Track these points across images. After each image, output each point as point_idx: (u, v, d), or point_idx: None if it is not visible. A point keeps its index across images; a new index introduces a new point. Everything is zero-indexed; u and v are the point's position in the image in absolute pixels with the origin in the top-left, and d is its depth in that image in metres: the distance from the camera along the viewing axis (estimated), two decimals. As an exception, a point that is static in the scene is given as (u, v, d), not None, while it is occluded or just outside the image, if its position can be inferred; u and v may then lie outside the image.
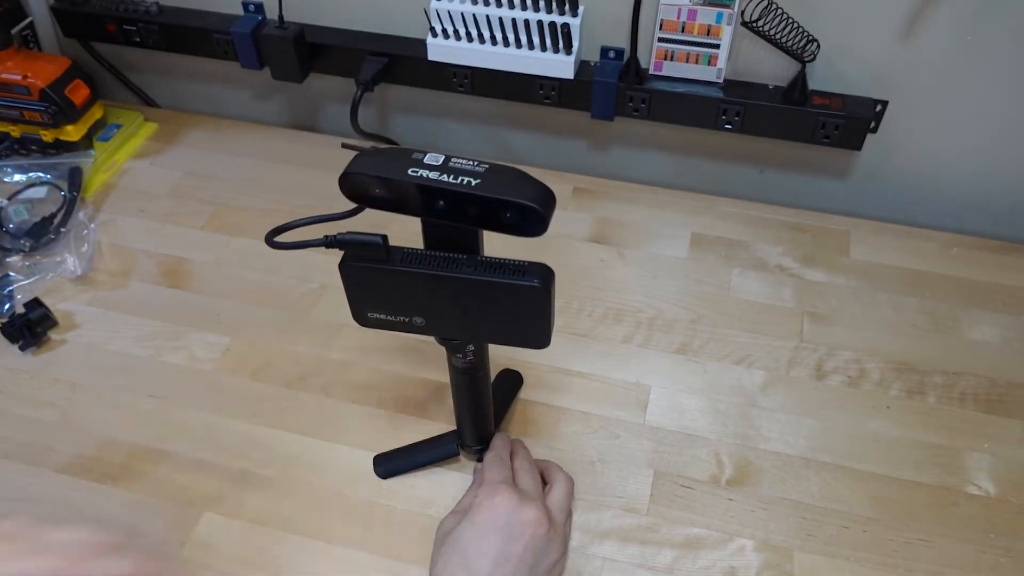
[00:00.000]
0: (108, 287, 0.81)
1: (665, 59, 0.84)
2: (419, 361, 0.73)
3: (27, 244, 0.82)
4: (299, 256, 0.85)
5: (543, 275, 0.49)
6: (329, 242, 0.48)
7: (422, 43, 0.88)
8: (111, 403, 0.71)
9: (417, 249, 0.49)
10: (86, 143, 0.95)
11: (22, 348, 0.74)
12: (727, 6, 0.79)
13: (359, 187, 0.48)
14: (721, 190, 0.93)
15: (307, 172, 0.94)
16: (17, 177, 0.87)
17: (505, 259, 0.48)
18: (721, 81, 0.84)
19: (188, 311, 0.79)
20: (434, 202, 0.46)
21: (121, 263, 0.83)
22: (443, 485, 0.65)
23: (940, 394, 0.72)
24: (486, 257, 0.48)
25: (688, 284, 0.81)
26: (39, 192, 0.87)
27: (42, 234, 0.83)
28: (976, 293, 0.80)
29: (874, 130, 0.85)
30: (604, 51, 0.87)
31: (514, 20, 0.83)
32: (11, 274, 0.80)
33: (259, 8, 0.94)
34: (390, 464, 0.66)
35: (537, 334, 0.51)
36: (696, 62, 0.84)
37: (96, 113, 0.95)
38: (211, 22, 0.95)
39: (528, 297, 0.48)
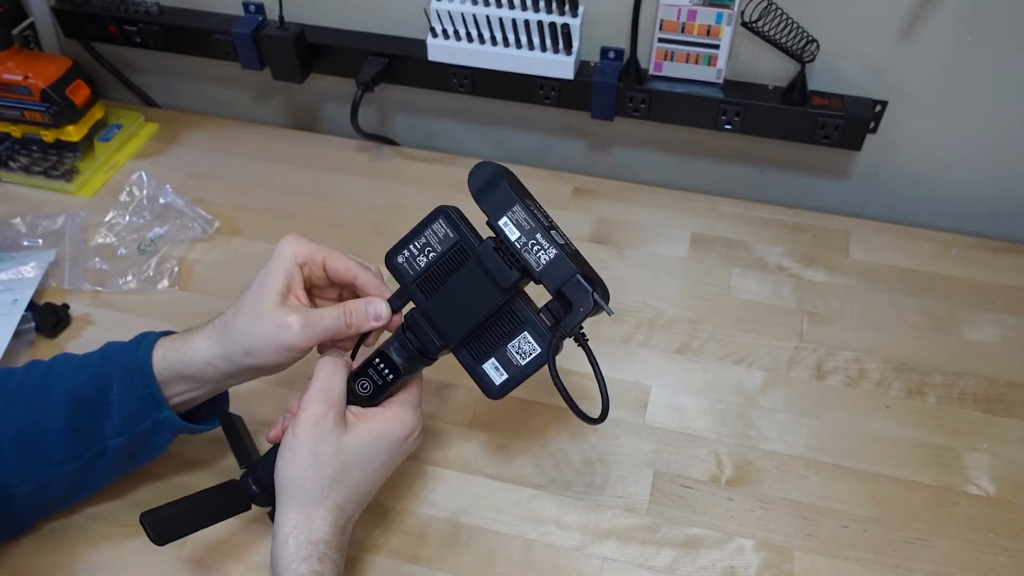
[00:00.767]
0: (110, 289, 0.81)
1: (665, 59, 0.84)
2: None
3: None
4: (299, 256, 0.85)
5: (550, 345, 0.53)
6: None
7: (422, 43, 0.88)
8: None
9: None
10: (87, 143, 0.95)
11: (51, 332, 0.76)
12: (727, 6, 0.79)
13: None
14: (721, 190, 0.93)
15: (307, 172, 0.94)
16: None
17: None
18: (721, 81, 0.84)
19: (189, 311, 0.78)
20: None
21: (122, 265, 0.83)
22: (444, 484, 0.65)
23: (940, 394, 0.72)
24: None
25: (688, 284, 0.81)
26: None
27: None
28: (976, 293, 0.80)
29: (874, 130, 0.85)
30: (604, 51, 0.87)
31: (514, 20, 0.83)
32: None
33: (259, 8, 0.94)
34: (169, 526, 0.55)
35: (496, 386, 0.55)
36: (696, 62, 0.84)
37: (97, 113, 0.95)
38: (212, 22, 0.95)
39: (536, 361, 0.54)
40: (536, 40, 0.84)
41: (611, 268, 0.83)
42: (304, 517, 0.52)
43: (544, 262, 0.50)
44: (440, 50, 0.88)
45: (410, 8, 0.90)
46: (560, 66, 0.85)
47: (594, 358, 0.54)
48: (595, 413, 0.55)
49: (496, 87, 0.90)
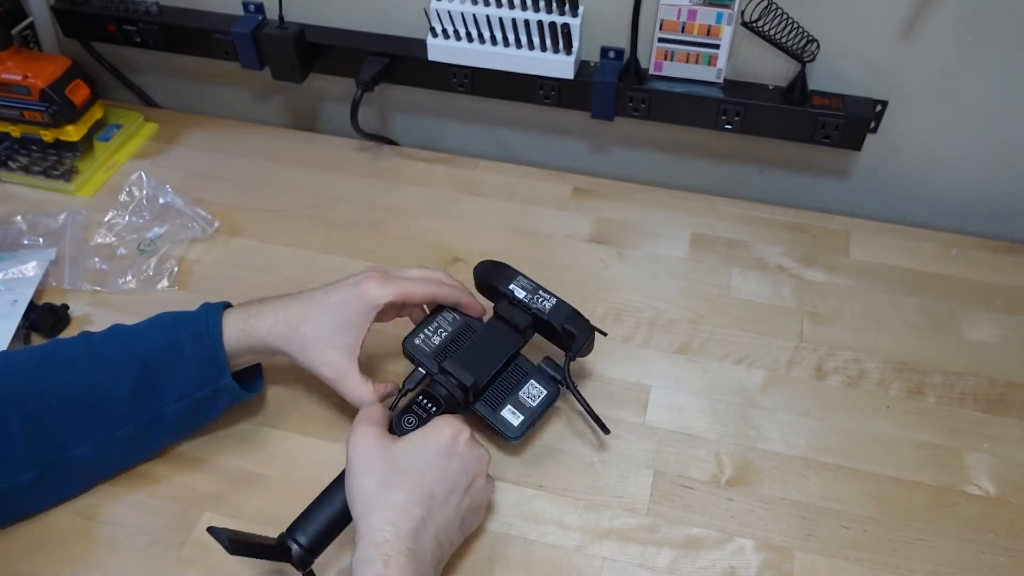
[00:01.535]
0: (109, 289, 0.81)
1: (665, 59, 0.84)
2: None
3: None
4: (299, 256, 0.85)
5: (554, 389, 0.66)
6: None
7: (422, 43, 0.88)
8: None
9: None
10: (86, 143, 0.95)
11: (50, 332, 0.76)
12: (727, 6, 0.79)
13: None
14: (721, 190, 0.93)
15: (307, 172, 0.94)
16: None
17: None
18: (721, 81, 0.84)
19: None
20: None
21: (121, 265, 0.83)
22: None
23: (940, 394, 0.72)
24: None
25: (688, 284, 0.81)
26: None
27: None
28: (976, 293, 0.80)
29: (874, 130, 0.85)
30: (604, 51, 0.87)
31: (514, 20, 0.83)
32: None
33: (259, 8, 0.94)
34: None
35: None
36: (696, 62, 0.84)
37: (96, 113, 0.95)
38: (211, 22, 0.95)
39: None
40: (536, 40, 0.84)
41: (611, 268, 0.83)
42: (365, 522, 0.53)
43: (549, 308, 0.66)
44: (440, 50, 0.87)
45: (410, 8, 0.90)
46: (560, 66, 0.85)
47: (575, 388, 0.66)
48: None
49: (496, 87, 0.90)
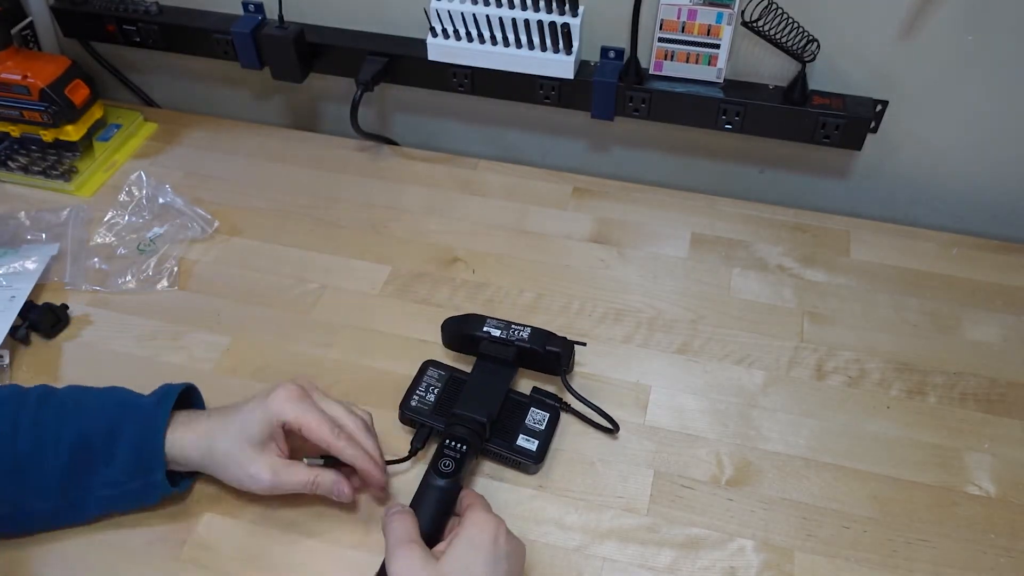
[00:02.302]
0: (108, 288, 0.80)
1: (665, 59, 0.84)
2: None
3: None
4: (299, 256, 0.85)
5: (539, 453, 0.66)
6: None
7: (422, 43, 0.88)
8: (111, 403, 0.71)
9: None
10: (86, 143, 0.95)
11: (49, 332, 0.75)
12: (727, 6, 0.79)
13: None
14: (721, 190, 0.93)
15: (307, 172, 0.94)
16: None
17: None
18: (721, 81, 0.84)
19: (188, 311, 0.79)
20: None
21: (120, 265, 0.83)
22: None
23: (940, 394, 0.72)
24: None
25: (688, 284, 0.81)
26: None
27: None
28: (976, 293, 0.80)
29: (874, 130, 0.85)
30: (604, 51, 0.87)
31: (514, 20, 0.83)
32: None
33: (259, 8, 0.94)
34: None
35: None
36: (696, 62, 0.84)
37: (96, 113, 0.95)
38: (211, 22, 0.95)
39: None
40: (536, 40, 0.84)
41: (611, 268, 0.83)
42: None
43: (527, 336, 0.69)
44: (440, 50, 0.87)
45: (410, 8, 0.90)
46: (560, 66, 0.85)
47: (580, 396, 0.69)
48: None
49: (496, 87, 0.90)
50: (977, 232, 0.88)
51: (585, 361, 0.74)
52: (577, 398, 0.69)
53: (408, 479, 0.65)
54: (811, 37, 0.79)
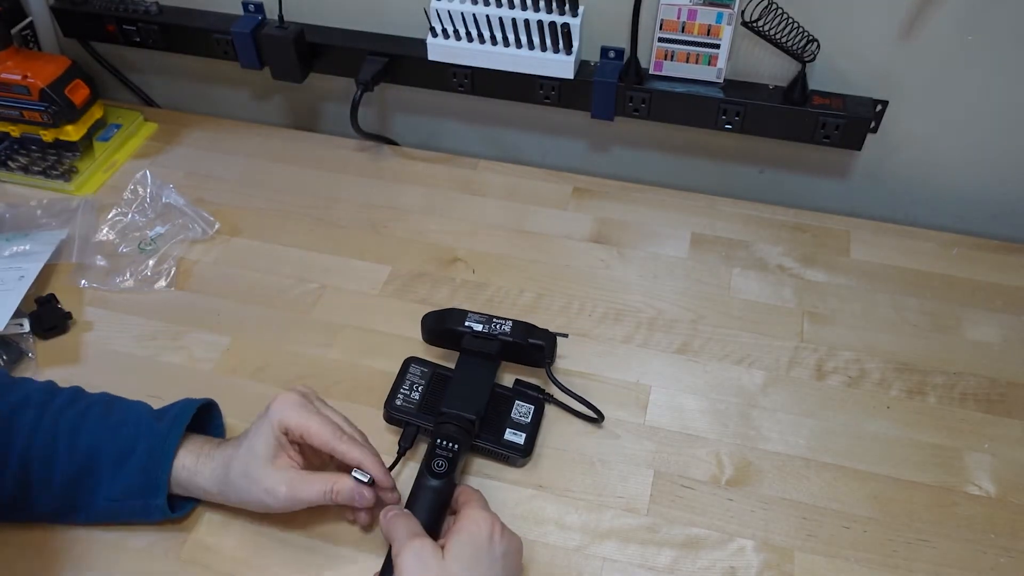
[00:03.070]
0: (108, 287, 0.80)
1: (665, 59, 0.84)
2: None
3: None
4: (299, 256, 0.85)
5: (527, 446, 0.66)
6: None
7: (422, 43, 0.88)
8: (111, 403, 0.71)
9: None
10: (86, 143, 0.95)
11: (44, 333, 0.75)
12: (727, 6, 0.79)
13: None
14: (721, 190, 0.93)
15: (307, 172, 0.94)
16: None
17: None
18: (721, 81, 0.84)
19: (188, 311, 0.79)
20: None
21: (120, 263, 0.83)
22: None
23: (940, 394, 0.72)
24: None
25: (688, 284, 0.81)
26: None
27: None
28: (976, 293, 0.80)
29: (874, 130, 0.85)
30: (604, 51, 0.87)
31: (514, 20, 0.83)
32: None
33: (259, 8, 0.94)
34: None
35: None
36: (696, 62, 0.84)
37: (96, 113, 0.95)
38: (211, 22, 0.95)
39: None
40: (536, 40, 0.84)
41: (611, 268, 0.83)
42: None
43: (509, 330, 0.69)
44: (440, 50, 0.87)
45: (410, 8, 0.90)
46: (560, 66, 0.85)
47: (564, 386, 0.69)
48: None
49: (496, 87, 0.90)
50: (977, 232, 0.88)
51: (585, 361, 0.74)
52: (561, 388, 0.68)
53: (400, 481, 0.65)
54: (811, 37, 0.79)
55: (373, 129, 1.02)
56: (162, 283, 0.81)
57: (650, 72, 0.86)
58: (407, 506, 0.59)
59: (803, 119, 0.83)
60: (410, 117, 1.03)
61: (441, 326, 0.71)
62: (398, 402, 0.67)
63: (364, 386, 0.72)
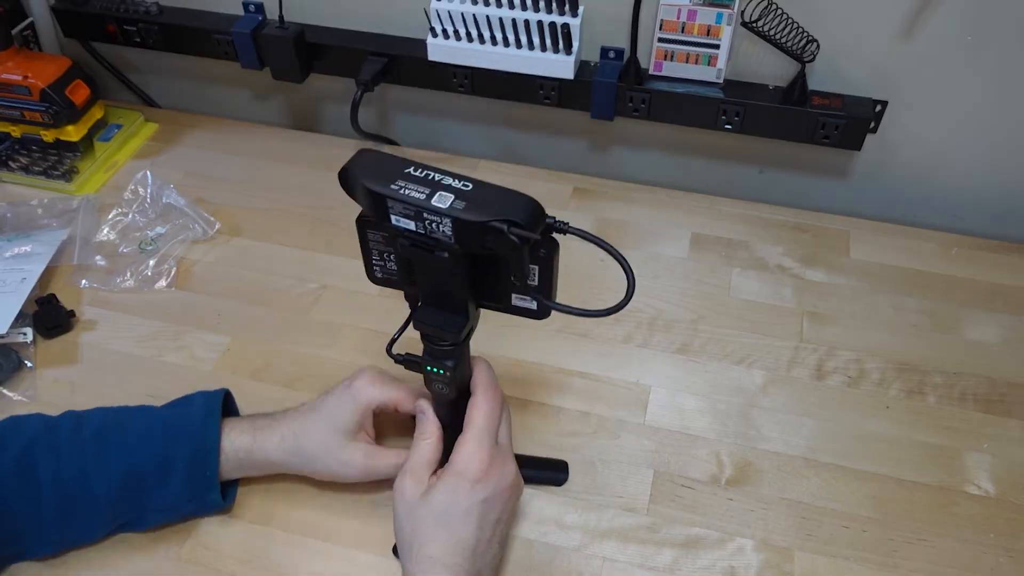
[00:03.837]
0: (108, 287, 0.81)
1: (665, 59, 0.84)
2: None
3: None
4: (299, 256, 0.85)
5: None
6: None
7: (422, 43, 0.88)
8: (111, 403, 0.71)
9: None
10: (86, 143, 0.95)
11: (47, 332, 0.75)
12: (727, 6, 0.79)
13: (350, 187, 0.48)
14: (721, 190, 0.93)
15: (307, 172, 0.94)
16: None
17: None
18: (721, 81, 0.84)
19: (188, 311, 0.79)
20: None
21: (121, 263, 0.83)
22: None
23: (940, 394, 0.72)
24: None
25: (688, 284, 0.81)
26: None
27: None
28: (976, 293, 0.80)
29: (874, 130, 0.85)
30: (604, 51, 0.87)
31: (514, 20, 0.83)
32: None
33: (259, 8, 0.94)
34: None
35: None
36: (696, 62, 0.84)
37: (97, 113, 0.95)
38: (211, 22, 0.95)
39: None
40: (536, 40, 0.84)
41: (612, 268, 0.83)
42: (405, 568, 0.53)
43: (451, 232, 0.44)
44: (440, 50, 0.87)
45: (410, 8, 0.90)
46: (560, 66, 0.85)
47: (591, 234, 0.48)
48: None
49: (496, 87, 0.90)
50: (977, 232, 0.88)
51: (585, 361, 0.74)
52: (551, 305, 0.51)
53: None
54: (811, 37, 0.79)
55: (373, 129, 1.02)
56: (162, 283, 0.81)
57: (650, 72, 0.86)
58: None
59: (803, 119, 0.83)
60: (410, 117, 1.03)
61: (363, 199, 0.47)
62: (378, 274, 0.56)
63: (364, 386, 0.72)
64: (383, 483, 0.64)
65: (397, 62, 0.92)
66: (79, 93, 0.91)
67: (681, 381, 0.73)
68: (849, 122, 0.82)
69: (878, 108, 0.83)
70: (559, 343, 0.75)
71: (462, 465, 0.54)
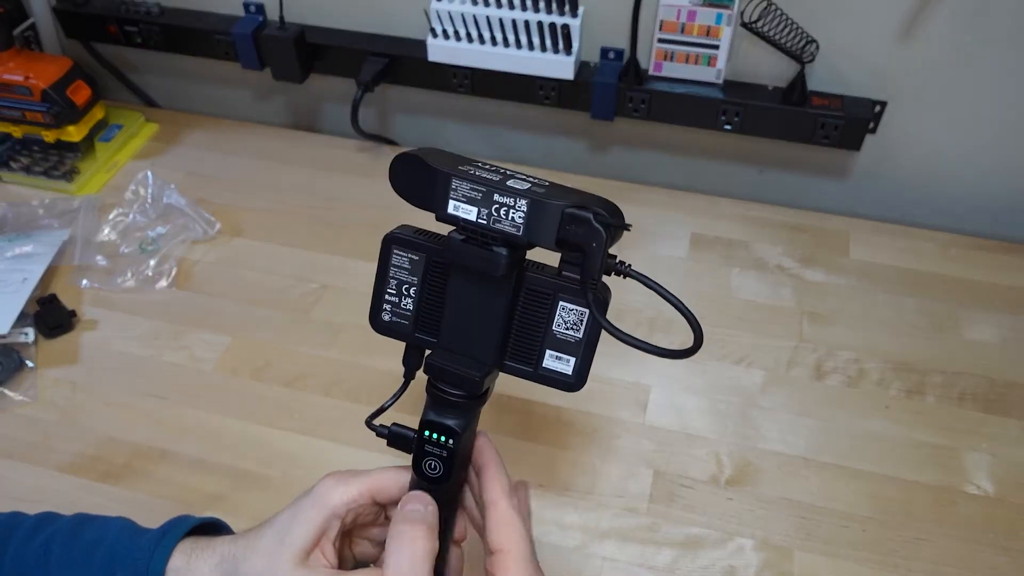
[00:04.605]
0: (109, 287, 0.81)
1: (665, 60, 0.85)
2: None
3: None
4: (299, 256, 0.85)
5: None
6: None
7: (422, 44, 0.88)
8: (112, 403, 0.71)
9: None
10: (87, 144, 0.95)
11: (49, 332, 0.75)
12: (727, 7, 0.79)
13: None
14: (721, 190, 0.93)
15: (307, 172, 0.94)
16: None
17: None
18: (721, 82, 0.85)
19: (189, 311, 0.79)
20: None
21: (122, 263, 0.83)
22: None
23: (939, 394, 0.72)
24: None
25: (688, 284, 0.81)
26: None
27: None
28: (975, 293, 0.80)
29: (873, 130, 0.85)
30: (604, 52, 0.87)
31: (514, 21, 0.83)
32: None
33: (260, 9, 0.95)
34: None
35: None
36: (696, 63, 0.84)
37: (97, 114, 0.95)
38: (212, 23, 0.95)
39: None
40: (536, 40, 0.84)
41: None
42: None
43: (521, 220, 0.40)
44: (440, 50, 0.88)
45: (410, 8, 0.90)
46: (560, 66, 0.85)
47: (653, 281, 0.43)
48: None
49: (496, 87, 0.90)
50: (976, 232, 0.88)
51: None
52: (612, 331, 0.44)
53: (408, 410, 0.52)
54: (810, 38, 0.79)
55: (373, 129, 1.02)
56: (163, 283, 0.81)
57: (650, 73, 0.86)
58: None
59: (802, 120, 0.83)
60: (410, 117, 1.03)
61: (413, 189, 0.44)
62: (386, 318, 0.48)
63: (364, 386, 0.72)
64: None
65: (397, 62, 0.92)
66: (80, 93, 0.91)
67: (681, 381, 0.73)
68: (848, 122, 0.82)
69: (877, 108, 0.84)
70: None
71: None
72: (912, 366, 0.74)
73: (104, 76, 1.08)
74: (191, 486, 0.65)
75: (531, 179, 0.42)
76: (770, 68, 0.84)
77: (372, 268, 0.82)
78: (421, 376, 0.47)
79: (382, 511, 0.49)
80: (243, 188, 0.92)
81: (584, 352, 0.45)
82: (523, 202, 0.40)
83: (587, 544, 0.62)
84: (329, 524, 0.46)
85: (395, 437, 0.47)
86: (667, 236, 0.87)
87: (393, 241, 0.46)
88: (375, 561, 0.50)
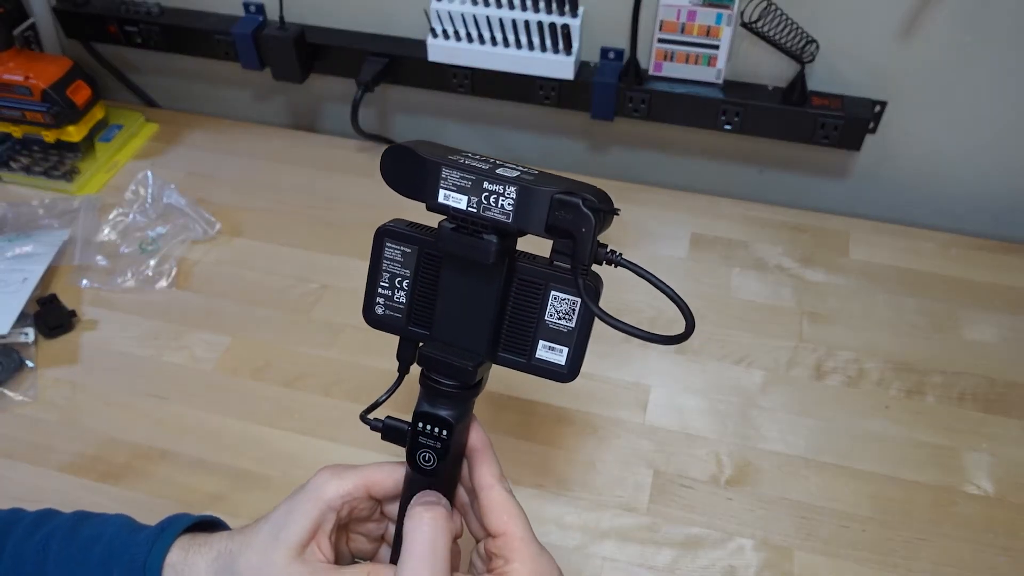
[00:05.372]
0: (109, 287, 0.81)
1: (665, 60, 0.85)
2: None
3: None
4: (299, 256, 0.85)
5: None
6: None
7: (422, 44, 0.88)
8: (112, 403, 0.71)
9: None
10: (87, 144, 0.95)
11: (50, 332, 0.75)
12: (727, 7, 0.79)
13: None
14: (721, 190, 0.93)
15: (307, 172, 0.95)
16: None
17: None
18: (721, 82, 0.85)
19: (189, 311, 0.79)
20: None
21: (122, 263, 0.83)
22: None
23: (939, 394, 0.72)
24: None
25: (688, 284, 0.81)
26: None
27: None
28: (975, 293, 0.80)
29: (873, 130, 0.85)
30: (604, 52, 0.87)
31: (514, 21, 0.83)
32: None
33: (260, 9, 0.95)
34: None
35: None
36: (696, 63, 0.84)
37: (97, 114, 0.95)
38: (212, 23, 0.95)
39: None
40: (536, 40, 0.84)
41: (611, 268, 0.83)
42: None
43: (511, 207, 0.40)
44: (440, 50, 0.88)
45: (410, 8, 0.90)
46: (560, 66, 0.85)
47: (645, 270, 0.43)
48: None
49: (496, 87, 0.90)
50: (976, 232, 0.88)
51: (585, 361, 0.74)
52: (605, 318, 0.43)
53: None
54: (810, 38, 0.79)
55: (373, 129, 1.02)
56: (163, 283, 0.81)
57: (650, 73, 0.86)
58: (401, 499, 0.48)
59: (802, 120, 0.83)
60: (410, 117, 1.03)
61: (402, 180, 0.45)
62: (379, 311, 0.48)
63: (364, 386, 0.72)
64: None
65: (397, 62, 0.92)
66: (80, 94, 0.91)
67: (681, 381, 0.73)
68: (848, 122, 0.82)
69: (877, 108, 0.84)
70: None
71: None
72: (912, 366, 0.74)
73: (104, 76, 1.08)
74: (191, 486, 0.65)
75: (520, 168, 0.42)
76: (770, 68, 0.84)
77: (372, 268, 0.79)
78: (416, 372, 0.48)
79: (377, 506, 0.50)
80: (243, 188, 0.93)
81: (577, 342, 0.45)
82: (512, 189, 0.40)
83: (587, 544, 0.62)
84: (324, 517, 0.46)
85: (389, 430, 0.47)
86: (667, 236, 0.87)
87: (385, 234, 0.47)
88: (371, 557, 0.51)
